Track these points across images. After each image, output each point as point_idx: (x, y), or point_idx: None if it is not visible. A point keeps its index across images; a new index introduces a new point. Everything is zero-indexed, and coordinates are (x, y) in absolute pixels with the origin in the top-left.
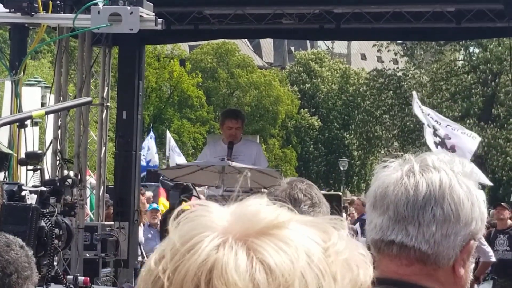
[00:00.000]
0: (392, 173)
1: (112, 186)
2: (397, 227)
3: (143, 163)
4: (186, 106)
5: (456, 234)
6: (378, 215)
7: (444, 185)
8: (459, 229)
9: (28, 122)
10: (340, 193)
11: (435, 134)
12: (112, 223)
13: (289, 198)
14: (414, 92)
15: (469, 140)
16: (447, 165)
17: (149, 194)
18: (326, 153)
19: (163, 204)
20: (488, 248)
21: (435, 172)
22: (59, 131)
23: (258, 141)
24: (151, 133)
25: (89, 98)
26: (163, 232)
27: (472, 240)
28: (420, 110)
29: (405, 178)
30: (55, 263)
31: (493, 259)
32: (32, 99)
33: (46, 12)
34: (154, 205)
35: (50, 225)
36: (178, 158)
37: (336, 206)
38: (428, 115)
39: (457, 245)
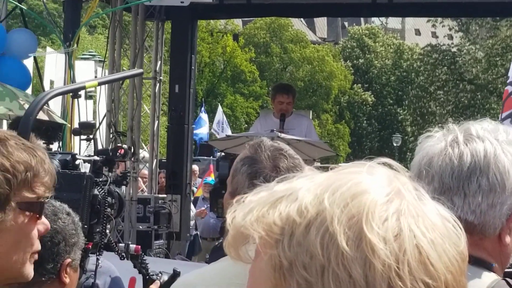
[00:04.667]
0: (436, 143)
1: (165, 160)
2: (443, 198)
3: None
4: (239, 81)
5: (502, 204)
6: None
7: (489, 155)
8: (505, 198)
9: (82, 93)
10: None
11: None
12: (165, 195)
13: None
14: None
15: None
16: (491, 134)
17: (195, 167)
18: (380, 129)
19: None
20: None
21: (479, 142)
22: (113, 105)
23: (310, 116)
24: (203, 108)
25: (140, 70)
26: (213, 203)
27: None
28: None
29: (449, 149)
30: (107, 231)
31: None
32: (86, 72)
33: None
34: (209, 179)
35: (103, 193)
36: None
37: None
38: None
39: (503, 214)
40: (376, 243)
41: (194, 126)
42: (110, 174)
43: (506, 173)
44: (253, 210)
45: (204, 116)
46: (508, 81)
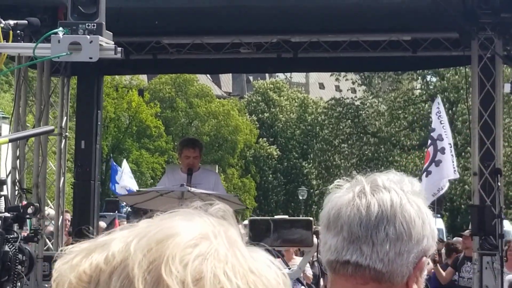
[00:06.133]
0: (344, 194)
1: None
2: (352, 247)
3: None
4: (145, 136)
5: (409, 252)
6: (332, 236)
7: (395, 205)
8: (412, 246)
9: None
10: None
11: (439, 139)
12: None
13: None
14: (438, 96)
15: (451, 169)
16: (397, 184)
17: (102, 224)
18: (285, 182)
19: None
20: None
21: (385, 192)
22: (18, 161)
23: (216, 170)
24: (112, 163)
25: (51, 127)
26: None
27: (424, 257)
28: (437, 116)
29: (357, 199)
30: None
31: None
32: None
33: (6, 41)
34: None
35: (14, 250)
36: (130, 181)
37: (306, 230)
38: (442, 123)
39: (410, 262)
40: (172, 286)
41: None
42: (20, 231)
43: (412, 222)
44: (72, 259)
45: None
46: (430, 133)
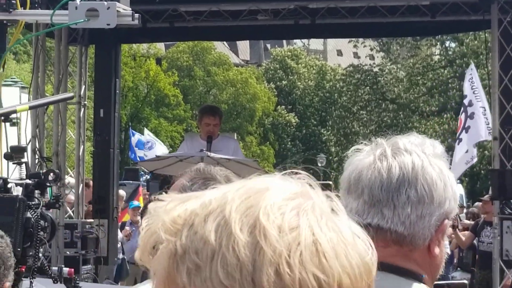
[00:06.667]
0: (365, 157)
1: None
2: (373, 210)
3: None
4: (163, 105)
5: (431, 215)
6: (353, 199)
7: (417, 167)
8: (434, 209)
9: (13, 116)
10: (330, 182)
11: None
12: (92, 220)
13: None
14: (472, 63)
15: (482, 131)
16: (418, 147)
17: (122, 192)
18: (304, 150)
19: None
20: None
21: (407, 155)
22: (37, 130)
23: (235, 138)
24: (131, 131)
25: (71, 94)
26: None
27: (446, 219)
28: (469, 83)
29: (378, 162)
30: (40, 255)
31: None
32: (11, 99)
33: (24, 9)
34: (135, 203)
35: (36, 216)
36: (149, 152)
37: None
38: (473, 88)
39: (432, 225)
40: (269, 229)
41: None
42: (42, 197)
43: (434, 185)
44: (166, 205)
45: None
46: (463, 100)
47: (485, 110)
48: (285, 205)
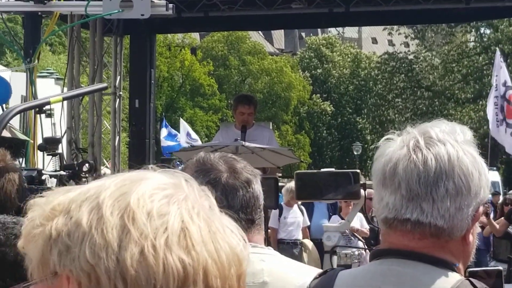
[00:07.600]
0: (398, 148)
1: None
2: (411, 205)
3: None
4: (198, 95)
5: (468, 206)
6: (389, 193)
7: (453, 158)
8: (471, 200)
9: (47, 108)
10: (358, 171)
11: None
12: None
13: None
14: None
15: None
16: (450, 135)
17: None
18: (340, 138)
19: None
20: None
21: (440, 145)
22: (73, 121)
23: (270, 127)
24: (164, 122)
25: (105, 84)
26: None
27: (481, 206)
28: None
29: (412, 154)
30: None
31: None
32: (46, 90)
33: (58, 0)
34: None
35: None
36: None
37: (354, 183)
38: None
39: (470, 216)
40: (138, 214)
41: (165, 138)
42: None
43: (470, 175)
44: (49, 196)
45: (171, 130)
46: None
47: None
48: (156, 194)
